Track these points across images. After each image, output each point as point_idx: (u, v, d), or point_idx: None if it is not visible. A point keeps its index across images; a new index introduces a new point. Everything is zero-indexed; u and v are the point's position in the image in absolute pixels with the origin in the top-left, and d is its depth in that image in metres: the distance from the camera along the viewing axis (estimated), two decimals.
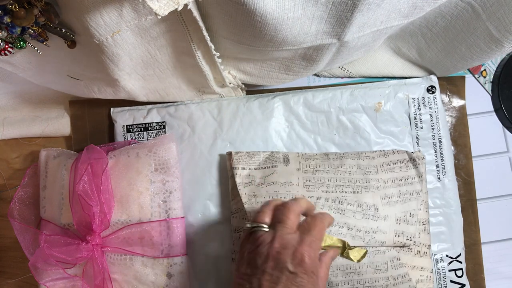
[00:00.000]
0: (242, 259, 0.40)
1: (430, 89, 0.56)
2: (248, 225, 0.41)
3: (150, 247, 0.50)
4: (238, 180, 0.50)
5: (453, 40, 0.49)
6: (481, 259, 0.57)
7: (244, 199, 0.49)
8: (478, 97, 0.59)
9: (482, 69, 0.60)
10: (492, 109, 0.60)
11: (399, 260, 0.49)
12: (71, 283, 0.52)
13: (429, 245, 0.50)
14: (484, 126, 0.59)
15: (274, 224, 0.39)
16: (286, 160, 0.51)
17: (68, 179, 0.51)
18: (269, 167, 0.51)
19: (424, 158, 0.51)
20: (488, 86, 0.60)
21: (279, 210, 0.40)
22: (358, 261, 0.45)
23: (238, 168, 0.51)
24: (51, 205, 0.53)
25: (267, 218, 0.41)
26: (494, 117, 0.60)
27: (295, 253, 0.37)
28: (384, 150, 0.53)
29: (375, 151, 0.53)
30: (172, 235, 0.51)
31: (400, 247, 0.49)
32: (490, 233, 0.58)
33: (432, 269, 0.50)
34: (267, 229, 0.40)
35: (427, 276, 0.49)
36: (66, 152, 0.55)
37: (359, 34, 0.42)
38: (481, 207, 0.58)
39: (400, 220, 0.49)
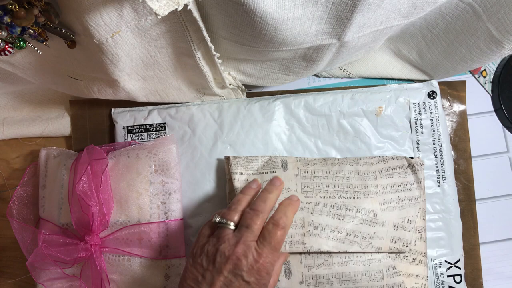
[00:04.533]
0: (201, 249, 0.40)
1: (431, 94, 0.56)
2: (217, 220, 0.42)
3: (149, 248, 0.50)
4: (236, 184, 0.50)
5: (454, 41, 0.49)
6: (480, 264, 0.57)
7: None
8: (478, 97, 0.60)
9: (482, 69, 0.60)
10: (492, 109, 0.60)
11: (395, 268, 0.49)
12: (69, 283, 0.52)
13: (424, 253, 0.50)
14: (484, 126, 0.59)
15: (241, 226, 0.40)
16: (284, 166, 0.51)
17: (68, 178, 0.51)
18: (267, 173, 0.51)
19: (423, 164, 0.51)
20: (488, 86, 0.60)
21: (248, 214, 0.41)
22: None
23: (236, 173, 0.51)
24: (50, 204, 0.53)
25: (236, 217, 0.42)
26: (494, 117, 0.60)
27: (254, 264, 0.38)
28: (383, 156, 0.53)
29: (374, 157, 0.53)
30: (170, 237, 0.51)
31: (396, 253, 0.49)
32: (490, 233, 0.58)
33: (427, 277, 0.50)
34: (233, 228, 0.41)
35: (422, 284, 0.49)
36: (66, 152, 0.55)
37: (359, 34, 0.42)
38: (480, 207, 0.58)
39: (397, 226, 0.49)
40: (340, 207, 0.48)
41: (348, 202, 0.49)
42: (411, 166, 0.51)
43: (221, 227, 0.41)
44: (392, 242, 0.48)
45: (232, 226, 0.41)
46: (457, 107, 0.58)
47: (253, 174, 0.51)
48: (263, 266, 0.38)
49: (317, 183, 0.50)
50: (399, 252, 0.49)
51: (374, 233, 0.48)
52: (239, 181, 0.50)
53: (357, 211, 0.48)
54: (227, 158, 0.52)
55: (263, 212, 0.41)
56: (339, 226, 0.48)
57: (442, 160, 0.55)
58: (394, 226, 0.49)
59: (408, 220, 0.49)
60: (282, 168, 0.51)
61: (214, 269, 0.38)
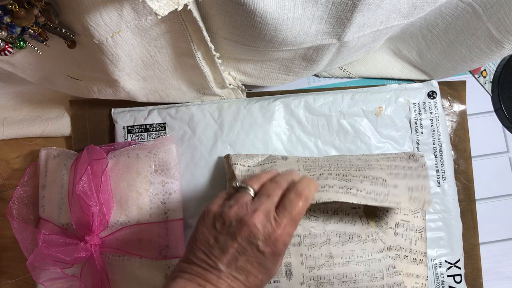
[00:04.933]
0: (216, 210, 0.38)
1: (431, 94, 0.56)
2: (236, 184, 0.39)
3: (149, 248, 0.50)
4: (237, 173, 0.49)
5: (454, 41, 0.49)
6: (480, 264, 0.57)
7: None
8: (478, 97, 0.60)
9: (482, 69, 0.60)
10: (492, 109, 0.60)
11: (395, 268, 0.49)
12: (69, 283, 0.52)
13: (425, 253, 0.50)
14: (484, 126, 0.59)
15: (261, 195, 0.38)
16: (285, 158, 0.51)
17: (68, 178, 0.51)
18: (268, 163, 0.50)
19: (423, 156, 0.51)
20: (488, 86, 0.60)
21: (270, 185, 0.39)
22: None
23: (237, 164, 0.50)
24: (50, 204, 0.53)
25: (256, 185, 0.39)
26: (494, 117, 0.60)
27: (271, 233, 0.36)
28: (384, 153, 0.53)
29: (374, 154, 0.53)
30: (170, 237, 0.51)
31: (396, 252, 0.48)
32: (490, 233, 0.58)
33: (427, 277, 0.50)
34: (252, 195, 0.39)
35: (422, 284, 0.49)
36: (66, 152, 0.55)
37: (359, 34, 0.42)
38: (480, 207, 0.58)
39: (412, 189, 0.46)
40: (345, 175, 0.47)
41: (354, 173, 0.47)
42: (412, 155, 0.51)
43: (241, 191, 0.39)
44: (410, 198, 0.45)
45: (252, 192, 0.39)
46: (457, 107, 0.58)
47: (253, 166, 0.50)
48: (281, 237, 0.36)
49: (320, 163, 0.49)
50: (419, 211, 0.47)
51: (388, 191, 0.45)
52: (240, 170, 0.49)
53: (364, 177, 0.46)
54: (227, 156, 0.52)
55: (284, 186, 0.39)
56: (347, 185, 0.45)
57: (442, 160, 0.55)
58: (408, 188, 0.46)
59: (421, 187, 0.46)
60: (283, 159, 0.50)
61: (228, 233, 0.36)
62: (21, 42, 0.37)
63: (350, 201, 0.43)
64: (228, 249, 0.35)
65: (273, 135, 0.55)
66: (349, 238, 0.49)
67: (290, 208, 0.37)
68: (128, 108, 0.57)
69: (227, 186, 0.52)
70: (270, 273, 0.37)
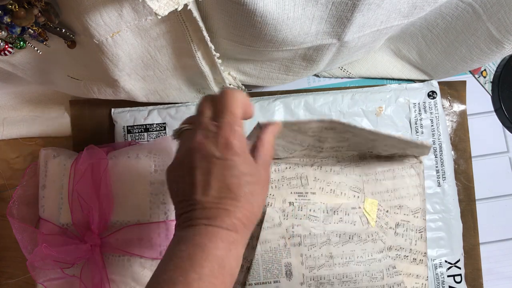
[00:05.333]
0: (171, 165, 0.35)
1: (431, 94, 0.56)
2: (173, 131, 0.37)
3: (149, 248, 0.50)
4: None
5: (454, 41, 0.49)
6: (480, 264, 0.57)
7: None
8: (478, 97, 0.60)
9: (482, 69, 0.60)
10: (492, 109, 0.60)
11: (395, 268, 0.49)
12: (69, 283, 0.52)
13: (425, 253, 0.50)
14: (484, 126, 0.59)
15: (193, 121, 0.35)
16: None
17: (68, 179, 0.51)
18: None
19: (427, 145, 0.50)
20: (488, 86, 0.60)
21: (197, 109, 0.36)
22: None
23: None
24: (50, 204, 0.53)
25: (192, 119, 0.37)
26: (494, 117, 0.60)
27: (218, 138, 0.33)
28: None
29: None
30: (171, 237, 0.50)
31: (396, 252, 0.49)
32: (490, 233, 0.58)
33: (427, 277, 0.50)
34: (190, 128, 0.36)
35: (422, 284, 0.49)
36: (66, 152, 0.55)
37: (359, 34, 0.42)
38: (480, 207, 0.58)
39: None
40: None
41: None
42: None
43: (180, 133, 0.36)
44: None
45: (188, 126, 0.36)
46: (457, 107, 0.58)
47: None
48: (230, 136, 0.33)
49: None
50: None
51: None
52: None
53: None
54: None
55: (209, 104, 0.35)
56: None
57: (442, 160, 0.55)
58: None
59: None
60: None
61: (187, 169, 0.33)
62: (21, 42, 0.37)
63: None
64: (195, 181, 0.32)
65: None
66: (349, 238, 0.49)
67: (221, 107, 0.34)
68: (128, 108, 0.57)
69: None
70: (258, 181, 0.34)
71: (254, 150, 0.35)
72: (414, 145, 0.46)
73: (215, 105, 0.35)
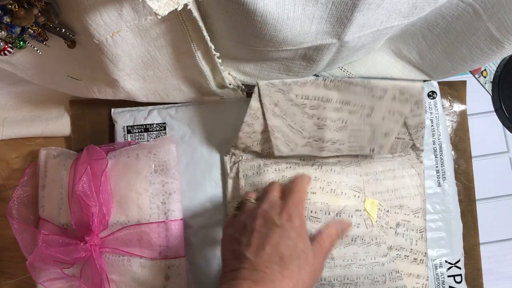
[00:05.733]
0: (228, 225, 0.40)
1: (431, 95, 0.56)
2: (236, 202, 0.42)
3: (149, 248, 0.50)
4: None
5: (454, 41, 0.49)
6: (480, 264, 0.57)
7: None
8: (478, 97, 0.60)
9: (482, 69, 0.60)
10: (492, 109, 0.60)
11: (398, 272, 0.49)
12: (68, 283, 0.52)
13: (425, 253, 0.50)
14: (484, 126, 0.59)
15: (261, 197, 0.41)
16: None
17: (68, 179, 0.51)
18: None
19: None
20: (488, 86, 0.60)
21: (265, 189, 0.42)
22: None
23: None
24: (50, 204, 0.53)
25: (254, 195, 0.43)
26: (494, 117, 0.60)
27: (282, 211, 0.38)
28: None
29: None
30: (170, 237, 0.51)
31: (397, 252, 0.49)
32: (490, 233, 0.58)
33: (427, 277, 0.50)
34: (254, 202, 0.41)
35: (422, 284, 0.49)
36: (66, 152, 0.55)
37: (359, 34, 0.42)
38: (481, 207, 0.58)
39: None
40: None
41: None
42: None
43: (242, 204, 0.41)
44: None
45: (253, 200, 0.41)
46: (457, 107, 0.58)
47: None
48: (292, 210, 0.38)
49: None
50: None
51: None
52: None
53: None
54: (226, 155, 0.52)
55: (276, 186, 0.42)
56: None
57: (442, 160, 0.55)
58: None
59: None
60: None
61: (246, 232, 0.37)
62: (21, 42, 0.37)
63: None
64: (252, 242, 0.36)
65: None
66: (352, 240, 0.48)
67: (290, 189, 0.40)
68: (128, 108, 0.57)
69: (227, 185, 0.52)
70: (308, 261, 0.36)
71: (313, 238, 0.39)
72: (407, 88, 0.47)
73: (283, 189, 0.41)
